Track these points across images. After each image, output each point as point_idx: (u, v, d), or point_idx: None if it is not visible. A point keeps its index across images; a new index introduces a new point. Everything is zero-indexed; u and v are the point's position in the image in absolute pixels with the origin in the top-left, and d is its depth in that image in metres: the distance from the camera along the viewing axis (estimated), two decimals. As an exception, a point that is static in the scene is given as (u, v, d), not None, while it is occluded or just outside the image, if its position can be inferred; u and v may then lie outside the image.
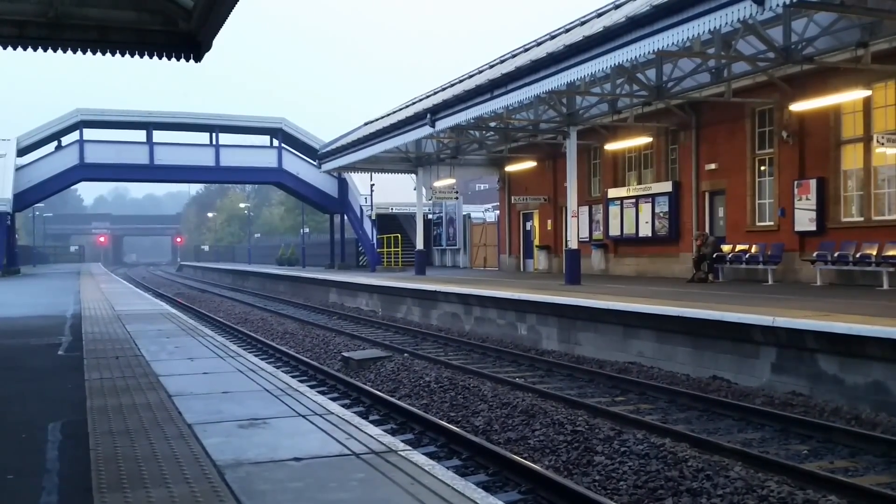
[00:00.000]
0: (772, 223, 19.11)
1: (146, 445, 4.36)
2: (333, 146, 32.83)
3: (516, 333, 16.14)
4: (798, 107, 16.92)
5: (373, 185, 36.61)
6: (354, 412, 7.38)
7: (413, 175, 31.94)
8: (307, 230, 60.49)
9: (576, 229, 20.35)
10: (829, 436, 7.91)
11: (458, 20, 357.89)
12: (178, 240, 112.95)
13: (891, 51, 15.40)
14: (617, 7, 16.53)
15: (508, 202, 31.30)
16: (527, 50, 20.92)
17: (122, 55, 9.26)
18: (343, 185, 40.72)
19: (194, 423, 4.88)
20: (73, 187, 72.85)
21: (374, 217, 38.11)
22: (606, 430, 7.80)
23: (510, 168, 29.61)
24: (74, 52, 9.30)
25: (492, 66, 22.66)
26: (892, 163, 16.29)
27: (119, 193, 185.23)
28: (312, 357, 14.22)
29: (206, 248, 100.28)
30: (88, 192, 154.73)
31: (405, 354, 13.83)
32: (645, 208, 23.04)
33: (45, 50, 9.31)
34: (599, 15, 17.36)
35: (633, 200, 23.51)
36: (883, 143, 15.40)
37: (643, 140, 22.15)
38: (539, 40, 20.71)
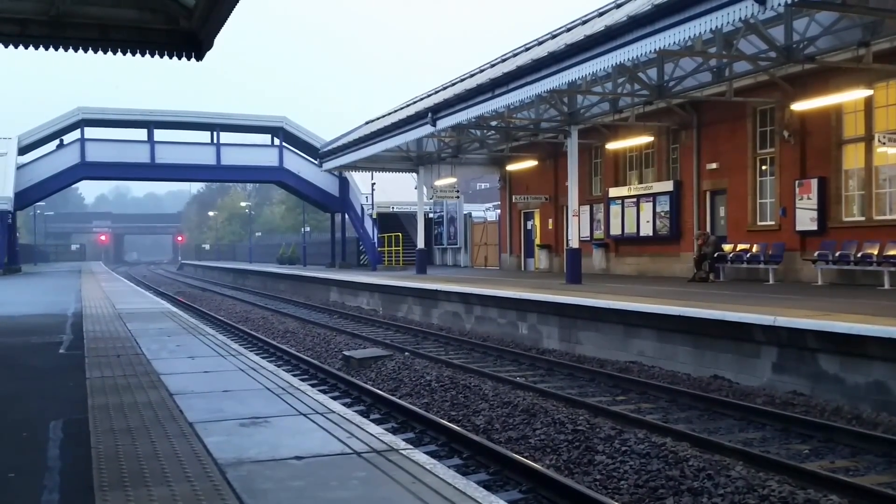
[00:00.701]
0: (773, 223, 19.10)
1: (147, 444, 4.36)
2: (334, 145, 32.84)
3: (517, 332, 16.14)
4: (799, 106, 16.91)
5: (374, 183, 36.60)
6: (355, 411, 7.38)
7: (414, 174, 31.92)
8: (308, 229, 60.50)
9: (577, 228, 20.34)
10: (830, 435, 7.91)
11: (459, 20, 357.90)
12: (179, 238, 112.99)
13: (892, 50, 15.39)
14: (618, 6, 16.52)
15: (509, 201, 31.29)
16: (528, 49, 20.91)
17: (124, 53, 9.26)
18: (344, 183, 40.72)
19: (196, 422, 4.88)
20: (74, 186, 72.79)
21: (374, 216, 38.12)
22: (607, 430, 7.80)
23: (511, 167, 29.60)
24: (76, 50, 9.30)
25: (493, 65, 22.65)
26: (894, 162, 16.28)
27: (120, 192, 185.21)
28: (313, 356, 14.22)
29: (207, 246, 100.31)
30: (89, 191, 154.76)
31: (406, 353, 13.83)
32: (646, 207, 23.03)
33: (47, 48, 9.32)
34: (601, 14, 17.35)
35: (635, 200, 23.50)
36: (884, 143, 15.39)
37: (644, 139, 22.13)
38: (540, 39, 20.70)
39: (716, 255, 19.29)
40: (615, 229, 24.39)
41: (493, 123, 23.95)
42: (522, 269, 30.57)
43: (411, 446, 4.37)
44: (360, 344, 15.45)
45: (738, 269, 19.52)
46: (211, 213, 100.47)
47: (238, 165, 40.03)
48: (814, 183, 17.64)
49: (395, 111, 29.34)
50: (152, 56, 9.37)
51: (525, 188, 29.76)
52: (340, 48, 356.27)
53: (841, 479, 6.37)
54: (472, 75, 23.97)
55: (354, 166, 32.10)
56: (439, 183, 30.29)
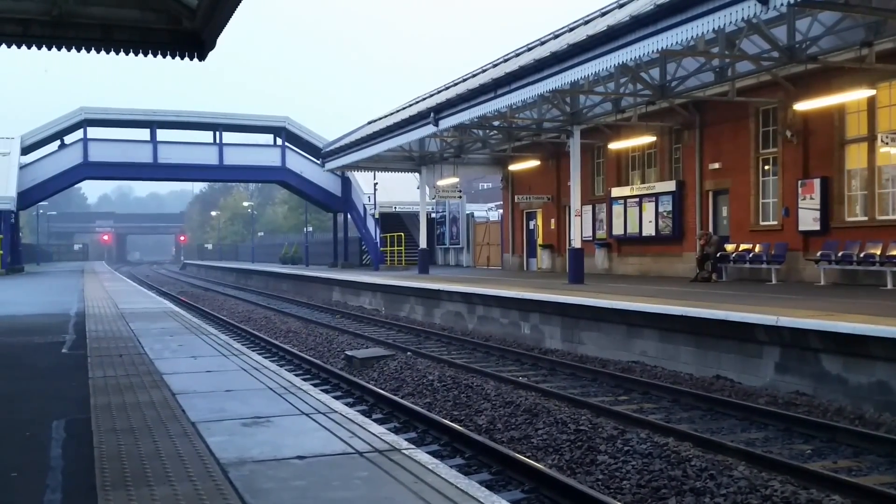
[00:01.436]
0: (775, 223, 19.08)
1: (150, 443, 4.36)
2: (337, 145, 32.86)
3: (519, 332, 16.13)
4: (802, 106, 16.89)
5: (376, 183, 36.61)
6: (358, 411, 7.38)
7: (416, 174, 31.94)
8: (310, 229, 60.52)
9: (579, 228, 20.33)
10: (832, 435, 7.90)
11: (462, 20, 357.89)
12: (182, 238, 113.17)
13: (895, 50, 15.37)
14: (621, 6, 16.52)
15: (512, 201, 31.29)
16: (530, 49, 20.92)
17: (126, 54, 9.27)
18: (346, 183, 40.74)
19: (198, 422, 4.88)
20: (76, 186, 72.96)
21: (377, 216, 38.13)
22: (610, 430, 7.79)
23: (514, 167, 29.60)
24: (78, 50, 9.31)
25: (495, 65, 22.66)
26: (897, 162, 16.27)
27: (123, 192, 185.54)
28: (316, 355, 14.23)
29: (210, 246, 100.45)
30: (92, 191, 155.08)
31: (408, 353, 13.82)
32: (648, 207, 23.02)
33: (49, 48, 9.33)
34: (603, 14, 17.35)
35: (637, 199, 23.49)
36: (887, 143, 15.37)
37: (647, 139, 22.12)
38: (543, 39, 20.71)
39: (718, 255, 19.28)
40: (617, 229, 24.38)
41: (496, 123, 23.95)
42: (525, 269, 30.57)
43: (413, 446, 4.37)
44: (362, 344, 15.46)
45: (741, 269, 19.50)
46: (213, 213, 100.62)
47: (241, 165, 40.06)
48: (816, 183, 17.62)
49: (398, 111, 29.36)
50: (155, 56, 9.38)
51: (527, 188, 29.76)
52: (343, 48, 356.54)
53: (843, 479, 6.36)
54: (474, 75, 23.98)
55: (357, 166, 32.12)
56: (442, 183, 30.31)
